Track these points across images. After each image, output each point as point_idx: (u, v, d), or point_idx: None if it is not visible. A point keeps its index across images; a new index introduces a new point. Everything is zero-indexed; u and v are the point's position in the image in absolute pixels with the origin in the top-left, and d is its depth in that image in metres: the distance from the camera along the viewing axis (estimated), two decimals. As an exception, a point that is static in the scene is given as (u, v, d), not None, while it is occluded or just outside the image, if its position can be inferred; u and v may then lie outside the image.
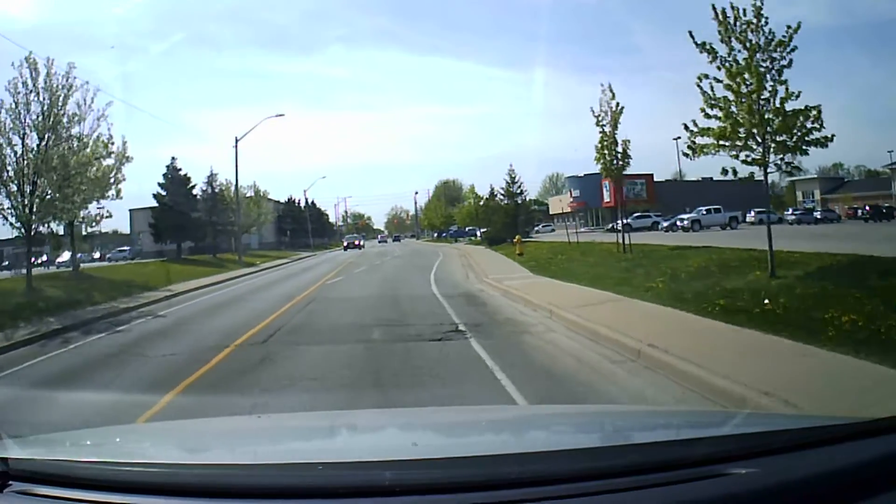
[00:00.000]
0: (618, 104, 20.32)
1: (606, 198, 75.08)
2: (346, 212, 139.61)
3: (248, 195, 57.32)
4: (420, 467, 1.80)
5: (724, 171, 13.17)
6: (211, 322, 13.71)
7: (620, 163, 20.52)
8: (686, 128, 13.00)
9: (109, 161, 23.99)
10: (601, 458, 1.84)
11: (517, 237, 29.21)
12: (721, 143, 12.66)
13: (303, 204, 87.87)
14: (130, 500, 1.67)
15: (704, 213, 50.47)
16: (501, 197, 46.75)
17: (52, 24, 64.17)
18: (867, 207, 57.49)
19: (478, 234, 58.89)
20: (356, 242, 71.67)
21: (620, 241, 21.85)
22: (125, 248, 75.32)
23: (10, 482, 1.78)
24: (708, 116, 13.03)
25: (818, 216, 58.48)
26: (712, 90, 13.05)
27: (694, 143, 13.23)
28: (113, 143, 24.11)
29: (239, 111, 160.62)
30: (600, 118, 20.37)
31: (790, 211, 63.35)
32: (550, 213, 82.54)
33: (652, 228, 56.82)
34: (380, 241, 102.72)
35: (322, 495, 1.66)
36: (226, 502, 1.67)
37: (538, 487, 1.60)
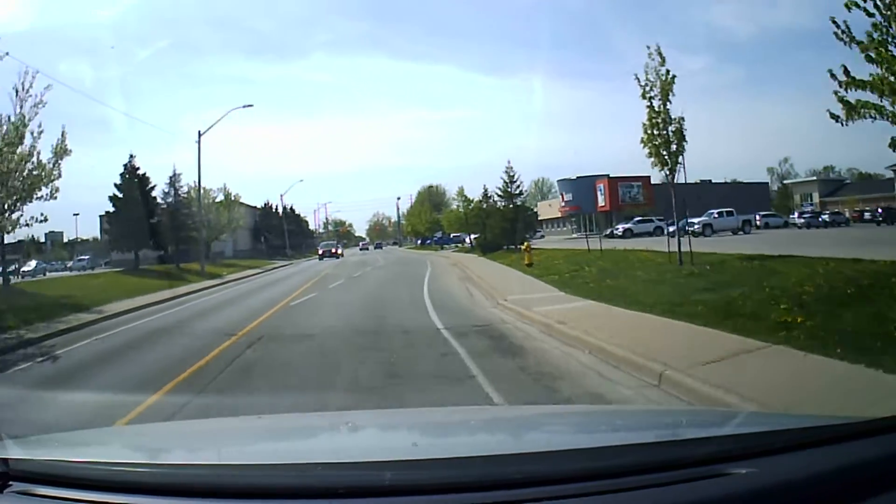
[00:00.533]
0: (668, 72, 15.47)
1: (601, 201, 70.44)
2: (326, 218, 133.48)
3: (217, 199, 52.19)
4: (420, 467, 1.75)
5: (894, 144, 8.40)
6: (97, 377, 9.10)
7: (676, 146, 15.61)
8: (844, 74, 8.23)
9: (44, 156, 19.68)
10: (601, 459, 1.77)
11: (526, 244, 23.87)
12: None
13: (280, 209, 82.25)
14: (131, 501, 1.64)
15: (716, 216, 45.88)
16: (498, 198, 40.02)
17: (32, 29, 58.82)
18: (879, 210, 53.72)
19: (467, 240, 53.67)
20: (333, 250, 60.72)
21: (671, 248, 16.99)
22: (84, 256, 69.61)
23: (11, 482, 1.73)
24: (870, 60, 8.27)
25: (827, 219, 54.53)
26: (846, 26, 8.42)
27: (847, 100, 8.46)
28: (26, 126, 19.48)
29: (217, 115, 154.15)
30: (647, 89, 15.50)
31: (796, 214, 59.21)
32: (540, 218, 77.73)
33: (654, 234, 52.17)
34: (361, 249, 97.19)
35: (322, 495, 1.60)
36: (225, 502, 1.62)
37: (539, 487, 1.56)
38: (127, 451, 2.26)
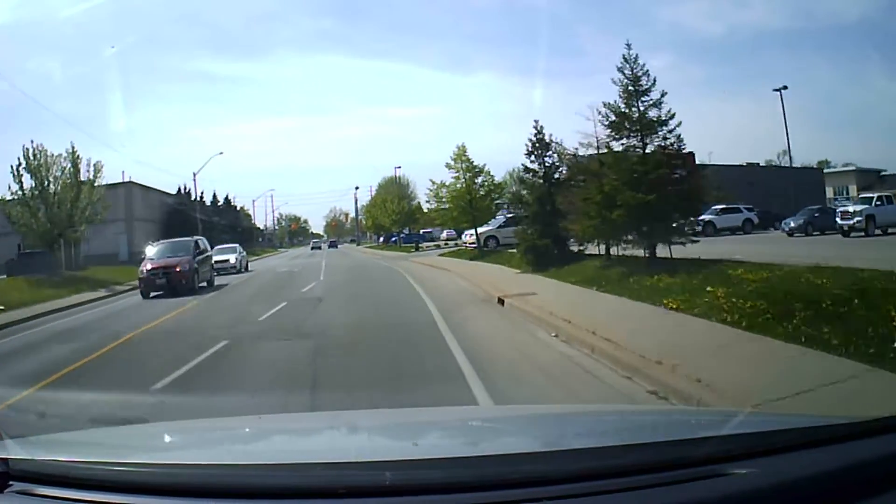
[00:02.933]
0: None
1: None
2: (281, 214, 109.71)
3: (63, 169, 29.68)
4: (421, 467, 1.59)
5: None
6: None
7: None
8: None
9: None
10: (601, 458, 1.61)
11: None
12: None
13: (205, 198, 59.25)
14: (131, 501, 1.49)
15: (878, 203, 25.55)
16: (605, 131, 13.69)
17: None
18: None
19: (465, 237, 32.06)
20: (176, 268, 18.88)
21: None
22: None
23: (11, 482, 1.57)
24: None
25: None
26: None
27: None
28: None
29: (184, 115, 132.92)
30: None
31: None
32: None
33: (744, 228, 32.43)
34: (312, 248, 74.55)
35: (322, 495, 1.46)
36: (225, 502, 1.47)
37: (539, 487, 1.42)
38: (127, 451, 2.01)
